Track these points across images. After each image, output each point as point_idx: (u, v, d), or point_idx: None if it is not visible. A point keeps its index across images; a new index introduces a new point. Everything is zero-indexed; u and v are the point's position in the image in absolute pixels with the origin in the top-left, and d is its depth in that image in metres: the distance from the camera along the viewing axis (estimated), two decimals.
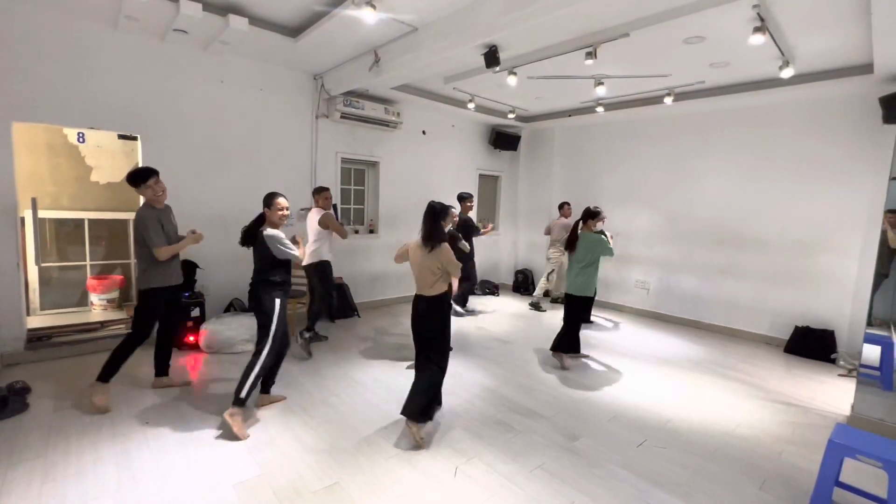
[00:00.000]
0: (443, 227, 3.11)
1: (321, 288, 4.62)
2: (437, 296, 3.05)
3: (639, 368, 4.44)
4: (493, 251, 8.33)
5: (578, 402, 3.60)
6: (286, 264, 3.18)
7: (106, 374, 3.18)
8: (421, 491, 2.42)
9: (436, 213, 3.05)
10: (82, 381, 3.58)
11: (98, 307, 5.18)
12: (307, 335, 4.37)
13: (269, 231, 3.06)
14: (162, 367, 3.56)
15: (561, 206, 6.90)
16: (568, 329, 4.44)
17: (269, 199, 3.11)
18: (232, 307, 4.97)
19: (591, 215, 4.43)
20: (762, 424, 3.37)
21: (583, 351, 4.70)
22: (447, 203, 3.32)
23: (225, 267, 4.91)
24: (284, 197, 3.14)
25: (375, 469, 2.59)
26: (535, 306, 6.79)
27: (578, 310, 4.48)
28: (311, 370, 4.03)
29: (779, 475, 2.72)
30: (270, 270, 3.12)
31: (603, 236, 4.43)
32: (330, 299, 4.72)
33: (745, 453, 2.95)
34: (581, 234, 4.44)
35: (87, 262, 5.29)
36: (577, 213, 5.06)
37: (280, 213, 3.10)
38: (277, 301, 3.09)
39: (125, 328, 4.65)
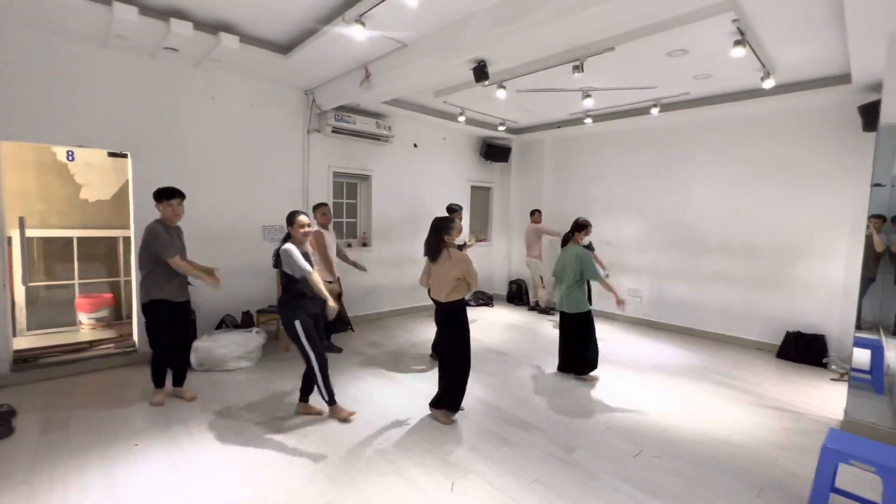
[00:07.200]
0: (446, 240, 3.28)
1: None
2: (453, 302, 3.29)
3: (633, 377, 4.44)
4: (487, 262, 8.34)
5: (574, 414, 3.59)
6: (301, 281, 3.18)
7: (155, 381, 3.57)
8: None
9: (437, 227, 3.29)
10: (70, 402, 3.53)
11: (87, 326, 5.09)
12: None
13: (284, 245, 3.16)
14: (176, 378, 3.72)
15: (532, 213, 7.36)
16: (574, 349, 4.32)
17: (291, 217, 3.24)
18: (224, 324, 4.91)
19: (578, 227, 4.32)
20: (757, 431, 3.38)
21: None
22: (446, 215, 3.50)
23: None
24: (306, 214, 3.28)
25: (370, 486, 2.55)
26: (543, 310, 7.29)
27: (576, 327, 4.29)
28: None
29: (775, 482, 2.72)
30: (286, 288, 3.22)
31: (589, 251, 4.31)
32: None
33: (741, 460, 2.95)
34: (566, 248, 4.37)
35: (76, 281, 5.22)
36: (563, 223, 5.02)
37: (302, 230, 3.22)
38: (297, 323, 3.17)
39: (114, 347, 4.59)
